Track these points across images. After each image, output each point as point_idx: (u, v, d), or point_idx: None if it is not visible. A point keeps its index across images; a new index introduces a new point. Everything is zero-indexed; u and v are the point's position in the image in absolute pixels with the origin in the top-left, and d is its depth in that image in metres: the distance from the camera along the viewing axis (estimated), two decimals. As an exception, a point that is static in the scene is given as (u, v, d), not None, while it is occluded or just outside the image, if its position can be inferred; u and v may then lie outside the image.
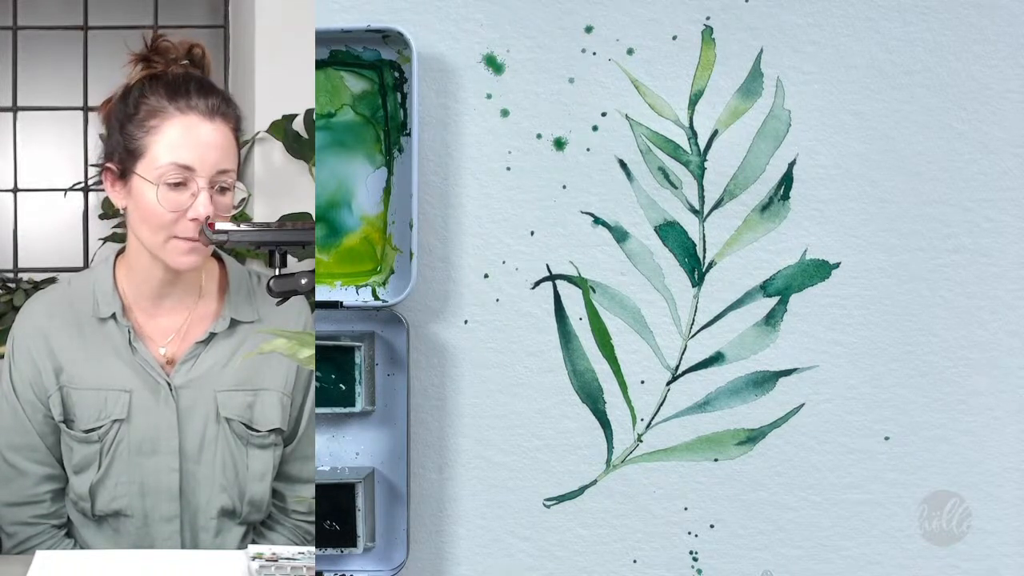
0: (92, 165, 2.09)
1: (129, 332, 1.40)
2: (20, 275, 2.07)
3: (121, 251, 1.44)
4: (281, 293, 1.30)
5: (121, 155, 1.37)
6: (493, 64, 1.46)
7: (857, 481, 1.45)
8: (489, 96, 1.46)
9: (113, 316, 1.41)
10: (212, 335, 1.41)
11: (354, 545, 1.42)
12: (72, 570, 1.30)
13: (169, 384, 1.40)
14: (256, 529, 1.46)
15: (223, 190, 1.36)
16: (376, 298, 1.46)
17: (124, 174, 1.37)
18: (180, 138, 1.35)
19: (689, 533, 1.46)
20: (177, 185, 1.35)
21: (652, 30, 1.46)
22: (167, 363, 1.42)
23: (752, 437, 1.46)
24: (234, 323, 1.42)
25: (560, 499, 1.47)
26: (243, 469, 1.43)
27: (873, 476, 1.45)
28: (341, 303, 1.44)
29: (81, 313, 1.41)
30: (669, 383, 1.46)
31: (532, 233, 1.46)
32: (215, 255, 1.46)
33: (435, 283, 1.47)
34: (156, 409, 1.40)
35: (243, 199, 1.39)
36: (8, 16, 2.12)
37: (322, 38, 1.44)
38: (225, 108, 1.37)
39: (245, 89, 2.02)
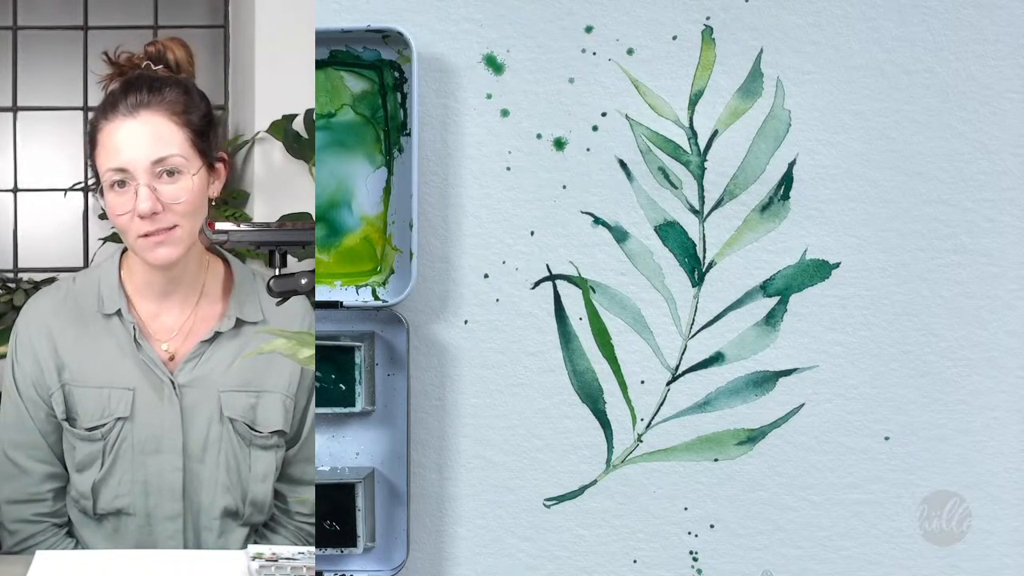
0: (91, 166, 2.09)
1: (134, 328, 1.40)
2: (20, 275, 2.07)
3: (125, 249, 1.44)
4: (281, 293, 1.30)
5: (95, 175, 1.40)
6: (493, 64, 1.46)
7: (857, 481, 1.45)
8: (489, 96, 1.47)
9: (118, 312, 1.41)
10: (217, 334, 1.42)
11: (354, 545, 1.42)
12: (72, 570, 1.30)
13: (173, 382, 1.40)
14: (258, 531, 1.47)
15: (172, 175, 1.36)
16: (376, 298, 1.46)
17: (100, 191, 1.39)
18: (109, 144, 1.36)
19: (689, 533, 1.46)
20: (121, 187, 1.35)
21: (652, 30, 1.46)
22: (169, 360, 1.42)
23: (752, 437, 1.46)
24: (239, 323, 1.42)
25: (560, 499, 1.47)
26: (246, 470, 1.43)
27: (873, 476, 1.45)
28: (341, 303, 1.44)
29: (86, 310, 1.42)
30: (669, 383, 1.46)
31: (532, 233, 1.47)
32: (219, 255, 1.46)
33: (435, 283, 1.47)
34: (160, 407, 1.40)
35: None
36: (8, 16, 2.12)
37: (322, 38, 1.44)
38: (149, 98, 1.37)
39: (245, 89, 2.03)
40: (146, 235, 1.35)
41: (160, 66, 1.40)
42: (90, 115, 1.42)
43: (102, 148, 1.37)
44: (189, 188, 1.36)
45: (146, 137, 1.35)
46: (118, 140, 1.35)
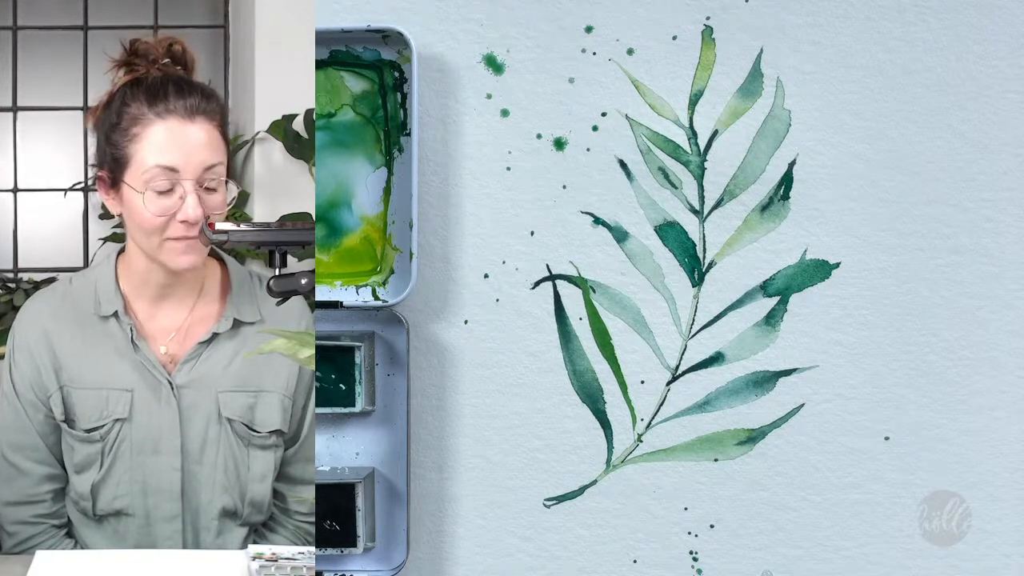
0: (91, 165, 2.10)
1: (131, 330, 1.40)
2: (20, 275, 2.07)
3: (122, 250, 1.44)
4: (281, 293, 1.30)
5: (110, 164, 1.38)
6: (493, 64, 1.46)
7: (857, 481, 1.45)
8: (489, 96, 1.47)
9: (115, 314, 1.41)
10: (215, 335, 1.42)
11: (354, 545, 1.42)
12: (72, 570, 1.30)
13: (171, 383, 1.40)
14: (258, 530, 1.47)
15: (211, 189, 1.36)
16: (376, 298, 1.46)
17: (115, 182, 1.38)
18: (163, 142, 1.35)
19: (689, 533, 1.46)
20: (165, 190, 1.35)
21: (652, 30, 1.46)
22: (168, 362, 1.42)
23: (752, 437, 1.46)
24: (236, 324, 1.42)
25: (560, 499, 1.47)
26: (244, 470, 1.43)
27: (873, 476, 1.45)
28: (341, 303, 1.44)
29: (82, 312, 1.42)
30: (669, 383, 1.46)
31: (532, 233, 1.46)
32: (216, 256, 1.46)
33: (435, 283, 1.47)
34: (158, 408, 1.40)
35: (234, 197, 1.39)
36: (8, 16, 2.12)
37: (322, 38, 1.44)
38: (206, 105, 1.37)
39: (245, 89, 2.03)
40: (176, 239, 1.35)
41: (179, 67, 1.40)
42: (126, 94, 1.38)
43: (149, 143, 1.35)
44: (223, 200, 1.37)
45: (202, 143, 1.35)
46: (173, 140, 1.35)
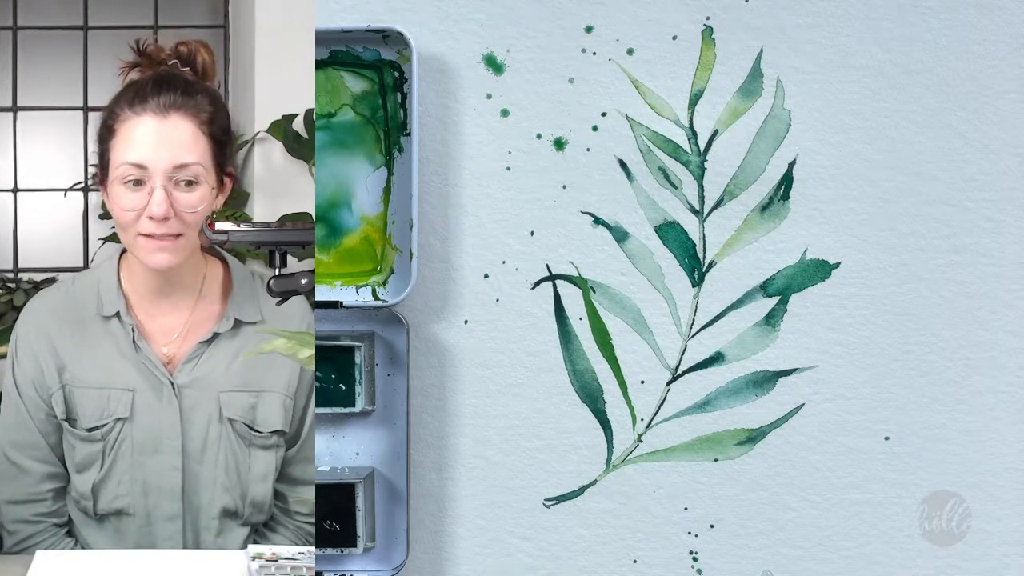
0: (92, 165, 2.10)
1: (133, 331, 1.40)
2: (20, 275, 2.07)
3: (124, 251, 1.44)
4: (281, 293, 1.30)
5: (102, 164, 1.38)
6: (493, 64, 1.46)
7: (857, 481, 1.45)
8: (489, 96, 1.47)
9: (117, 315, 1.41)
10: (216, 335, 1.42)
11: (354, 545, 1.42)
12: (72, 570, 1.31)
13: (172, 383, 1.40)
14: (258, 530, 1.47)
15: (189, 184, 1.36)
16: (376, 298, 1.46)
17: (103, 180, 1.38)
18: (134, 138, 1.35)
19: (689, 533, 1.46)
20: (135, 184, 1.34)
21: (652, 30, 1.46)
22: (168, 362, 1.42)
23: (752, 437, 1.46)
24: (238, 323, 1.42)
25: (560, 499, 1.47)
26: (245, 470, 1.43)
27: (873, 476, 1.45)
28: (341, 303, 1.44)
29: (85, 312, 1.42)
30: (669, 383, 1.46)
31: (532, 233, 1.47)
32: (218, 256, 1.46)
33: (435, 283, 1.47)
34: (159, 408, 1.40)
35: (215, 195, 1.38)
36: (8, 16, 2.12)
37: (322, 38, 1.44)
38: (184, 101, 1.36)
39: (245, 89, 2.03)
40: (148, 236, 1.35)
41: (187, 68, 1.40)
42: (116, 96, 1.39)
43: (122, 139, 1.35)
44: (205, 197, 1.36)
45: (173, 140, 1.35)
46: (143, 136, 1.35)
